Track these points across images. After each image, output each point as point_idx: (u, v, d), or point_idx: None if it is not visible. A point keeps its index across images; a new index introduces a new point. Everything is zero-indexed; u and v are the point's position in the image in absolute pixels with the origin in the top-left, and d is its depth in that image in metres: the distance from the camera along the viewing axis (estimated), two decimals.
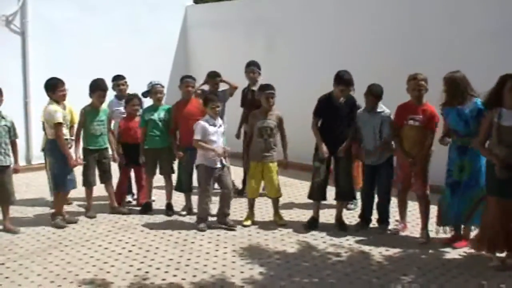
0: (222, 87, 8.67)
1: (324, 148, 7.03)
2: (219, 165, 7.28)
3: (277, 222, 7.47)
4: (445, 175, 6.48)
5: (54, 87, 7.29)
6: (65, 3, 11.21)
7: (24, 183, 9.47)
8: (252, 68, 8.64)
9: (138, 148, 7.97)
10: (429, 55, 8.65)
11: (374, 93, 6.94)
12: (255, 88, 8.38)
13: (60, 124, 7.20)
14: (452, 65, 6.55)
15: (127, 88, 8.51)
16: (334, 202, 7.45)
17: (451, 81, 6.25)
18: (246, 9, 12.10)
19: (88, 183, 7.91)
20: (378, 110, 6.99)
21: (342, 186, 7.19)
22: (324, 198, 7.33)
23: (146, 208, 8.04)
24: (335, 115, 7.05)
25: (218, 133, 7.26)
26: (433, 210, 6.72)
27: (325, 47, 10.18)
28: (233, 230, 7.21)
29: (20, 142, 7.64)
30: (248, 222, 7.48)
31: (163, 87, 8.00)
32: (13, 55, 10.64)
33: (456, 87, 6.22)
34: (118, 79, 8.48)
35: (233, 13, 12.42)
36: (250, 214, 7.60)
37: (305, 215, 7.60)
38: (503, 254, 5.93)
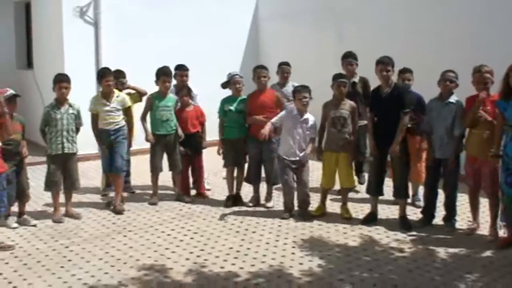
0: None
1: (373, 145, 6.94)
2: (296, 158, 7.25)
3: (343, 215, 7.37)
4: (503, 174, 6.12)
5: (101, 77, 7.57)
6: None
7: (94, 169, 9.68)
8: (349, 60, 8.30)
9: (193, 138, 8.11)
10: (498, 49, 8.31)
11: (447, 78, 6.70)
12: (355, 80, 8.19)
13: (93, 114, 7.56)
14: None
15: (188, 79, 8.49)
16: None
17: None
18: (317, 0, 11.97)
19: (154, 169, 8.04)
20: (451, 100, 6.74)
21: (396, 182, 7.02)
22: (381, 193, 7.18)
23: (235, 200, 7.97)
24: (381, 108, 6.90)
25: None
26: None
27: (397, 36, 9.92)
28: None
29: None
30: (318, 213, 7.43)
31: (242, 77, 7.95)
32: (87, 46, 10.89)
33: None
34: (180, 69, 8.49)
35: (304, 4, 12.30)
36: (321, 205, 7.53)
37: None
38: None
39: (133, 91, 8.39)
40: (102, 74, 7.60)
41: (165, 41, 11.31)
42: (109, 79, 7.51)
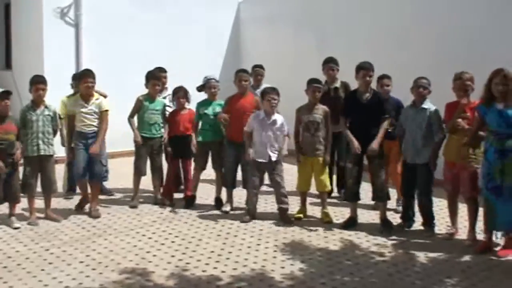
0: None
1: (356, 143, 6.92)
2: (265, 160, 7.28)
3: (323, 219, 7.41)
4: (484, 179, 6.20)
5: (80, 78, 7.50)
6: None
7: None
8: (330, 65, 8.33)
9: (186, 141, 8.01)
10: (479, 53, 8.42)
11: (420, 85, 6.79)
12: (337, 85, 8.23)
13: (70, 116, 7.47)
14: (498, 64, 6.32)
15: (166, 81, 8.57)
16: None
17: (509, 76, 5.93)
18: (297, 4, 12.03)
19: (138, 172, 8.04)
20: (424, 106, 6.83)
21: (375, 186, 7.08)
22: (358, 199, 7.24)
23: (190, 202, 8.05)
24: (361, 113, 6.93)
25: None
26: (481, 211, 6.53)
27: (378, 40, 10.03)
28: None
29: None
30: (300, 216, 7.47)
31: (218, 82, 7.99)
32: (67, 47, 10.84)
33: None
34: (160, 71, 8.51)
35: (284, 7, 12.37)
36: (303, 208, 7.58)
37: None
38: None
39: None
40: (82, 75, 7.52)
41: (146, 42, 11.32)
42: (89, 80, 7.41)
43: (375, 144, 6.82)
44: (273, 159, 7.30)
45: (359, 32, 10.52)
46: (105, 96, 8.21)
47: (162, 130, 8.08)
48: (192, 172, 8.23)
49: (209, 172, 8.22)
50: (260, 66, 9.06)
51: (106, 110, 7.56)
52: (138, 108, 7.95)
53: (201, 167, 8.07)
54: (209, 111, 7.88)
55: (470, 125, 6.37)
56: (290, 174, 8.24)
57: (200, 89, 8.18)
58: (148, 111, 7.94)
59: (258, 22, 13.03)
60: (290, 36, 12.05)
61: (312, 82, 7.40)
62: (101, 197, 8.04)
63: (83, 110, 7.39)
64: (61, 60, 10.47)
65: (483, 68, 6.19)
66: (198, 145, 7.98)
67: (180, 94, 8.11)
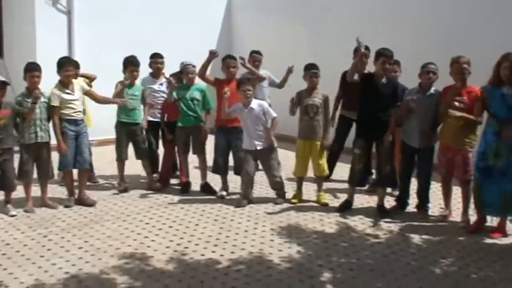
0: None
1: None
2: (256, 148, 7.36)
3: (320, 202, 7.50)
4: (476, 157, 6.34)
5: (61, 67, 7.34)
6: None
7: None
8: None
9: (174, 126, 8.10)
10: (473, 40, 8.47)
11: (430, 70, 6.80)
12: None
13: (55, 107, 7.24)
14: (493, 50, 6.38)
15: (163, 67, 8.59)
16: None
17: None
18: None
19: (119, 157, 8.09)
20: (432, 91, 6.85)
21: (382, 173, 7.12)
22: (363, 185, 7.30)
23: (185, 188, 8.10)
24: (376, 96, 6.92)
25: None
26: None
27: (372, 26, 10.03)
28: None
29: None
30: (296, 200, 7.53)
31: (194, 67, 7.97)
32: (59, 34, 10.80)
33: None
34: (156, 57, 8.57)
35: None
36: (298, 193, 7.65)
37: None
38: None
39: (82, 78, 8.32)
40: (62, 63, 7.37)
41: (139, 29, 11.29)
42: (69, 68, 7.34)
43: (389, 137, 6.90)
44: (258, 147, 7.36)
45: (352, 17, 10.54)
46: (94, 78, 8.23)
47: (141, 114, 8.11)
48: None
49: (209, 158, 8.20)
50: (258, 52, 9.07)
51: (89, 89, 7.65)
52: (121, 92, 7.92)
53: (183, 151, 8.09)
54: (187, 95, 7.92)
55: (469, 107, 6.42)
56: (283, 159, 8.30)
57: (178, 76, 8.16)
58: (127, 97, 7.93)
59: (250, 8, 13.02)
60: (282, 22, 12.04)
61: (308, 68, 7.46)
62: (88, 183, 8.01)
63: (70, 97, 7.31)
64: (53, 47, 10.40)
65: (480, 54, 6.26)
66: (177, 129, 8.04)
67: (175, 80, 8.11)
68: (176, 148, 8.28)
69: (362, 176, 7.35)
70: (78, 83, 7.51)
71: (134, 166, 8.40)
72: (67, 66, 7.33)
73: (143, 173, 8.43)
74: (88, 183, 7.95)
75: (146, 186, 8.23)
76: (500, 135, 6.05)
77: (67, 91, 7.30)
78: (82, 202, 7.49)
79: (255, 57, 8.99)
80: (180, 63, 8.08)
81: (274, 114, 7.47)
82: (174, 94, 7.95)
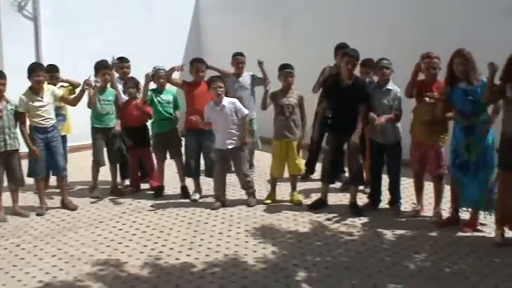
0: None
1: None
2: (227, 147, 7.34)
3: (293, 201, 7.52)
4: (450, 156, 6.41)
5: (31, 72, 7.23)
6: None
7: None
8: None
9: (141, 131, 8.08)
10: (445, 35, 8.53)
11: (384, 66, 6.92)
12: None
13: (21, 113, 7.17)
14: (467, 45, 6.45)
15: (130, 71, 8.54)
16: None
17: (470, 57, 6.12)
18: None
19: (96, 163, 8.02)
20: (389, 87, 6.97)
21: (352, 170, 7.18)
22: (333, 182, 7.38)
23: (158, 192, 8.06)
24: (341, 98, 7.01)
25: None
26: (447, 189, 6.73)
27: (344, 28, 10.06)
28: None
29: None
30: (269, 201, 7.54)
31: (166, 71, 7.92)
32: (26, 41, 10.67)
33: (474, 64, 6.11)
34: (122, 61, 8.51)
35: None
36: (272, 193, 7.66)
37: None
38: None
39: (66, 84, 8.30)
40: (32, 69, 7.26)
41: (106, 33, 11.18)
42: (40, 74, 7.22)
43: (356, 138, 6.91)
44: (230, 146, 7.35)
45: (323, 16, 10.54)
46: (78, 85, 8.12)
47: (114, 119, 8.05)
48: (153, 160, 8.22)
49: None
50: (241, 54, 8.96)
51: (62, 94, 7.57)
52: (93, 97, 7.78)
53: (162, 159, 8.08)
54: (162, 99, 7.90)
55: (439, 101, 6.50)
56: (258, 160, 8.32)
57: (150, 78, 8.06)
58: (100, 101, 7.86)
59: (218, 9, 12.95)
60: (252, 23, 11.98)
61: (283, 68, 7.47)
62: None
63: (39, 104, 7.21)
64: (20, 54, 10.27)
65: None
66: (154, 138, 8.04)
67: (130, 84, 8.09)
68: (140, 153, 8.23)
69: (333, 174, 7.37)
70: (49, 89, 7.40)
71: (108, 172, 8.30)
72: (38, 72, 7.22)
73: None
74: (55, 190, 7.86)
75: (110, 190, 8.16)
76: (469, 130, 6.12)
77: (37, 98, 7.21)
78: (65, 206, 7.49)
79: (238, 59, 8.89)
80: (153, 68, 8.03)
81: (246, 111, 7.49)
82: (150, 93, 7.91)
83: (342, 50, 7.72)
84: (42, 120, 7.25)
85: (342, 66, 7.02)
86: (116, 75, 8.39)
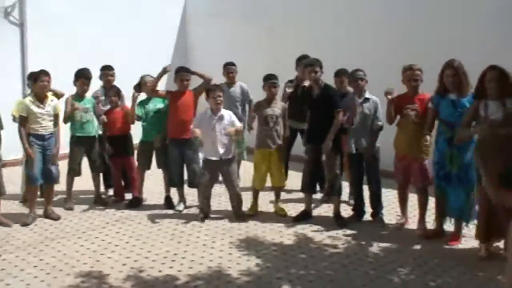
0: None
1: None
2: (216, 158, 7.27)
3: (278, 213, 7.49)
4: (434, 167, 6.42)
5: (36, 78, 7.23)
6: None
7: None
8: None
9: (124, 140, 8.03)
10: (431, 49, 8.57)
11: (358, 77, 6.96)
12: (306, 84, 7.84)
13: (22, 117, 7.13)
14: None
15: (114, 79, 8.44)
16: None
17: (461, 68, 6.12)
18: None
19: (72, 171, 7.93)
20: (367, 96, 6.99)
21: (328, 180, 7.18)
22: (314, 192, 7.37)
23: (135, 203, 7.99)
24: (314, 107, 7.07)
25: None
26: (431, 201, 6.72)
27: (328, 35, 10.09)
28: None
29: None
30: (251, 212, 7.50)
31: (152, 78, 7.86)
32: (12, 47, 10.60)
33: (465, 76, 6.12)
34: (106, 69, 8.42)
35: (234, 1, 12.32)
36: (254, 205, 7.61)
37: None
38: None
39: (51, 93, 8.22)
40: (38, 75, 7.24)
41: (93, 40, 11.14)
42: (45, 79, 7.21)
43: (327, 143, 6.88)
44: (223, 157, 7.28)
45: (308, 23, 10.56)
46: (62, 95, 8.08)
47: (96, 127, 8.03)
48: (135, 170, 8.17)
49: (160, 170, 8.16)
50: (232, 64, 8.95)
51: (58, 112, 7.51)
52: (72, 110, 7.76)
53: (144, 167, 8.03)
54: (150, 108, 7.86)
55: (422, 114, 6.50)
56: (243, 171, 8.28)
57: (137, 88, 8.04)
58: (78, 111, 7.79)
59: (206, 16, 12.94)
60: (238, 30, 12.00)
61: (268, 78, 7.48)
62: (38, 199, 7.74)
63: (39, 111, 7.18)
64: (6, 60, 10.22)
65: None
66: (140, 145, 7.99)
67: (111, 93, 8.04)
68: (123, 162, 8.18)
69: (314, 184, 7.35)
70: (53, 101, 7.39)
71: (91, 182, 8.23)
72: (43, 77, 7.21)
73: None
74: (39, 199, 7.72)
75: (93, 199, 8.11)
76: (453, 141, 6.12)
77: (40, 105, 7.20)
78: (48, 216, 7.42)
79: (230, 68, 8.90)
80: (140, 77, 7.99)
81: (240, 124, 7.46)
82: (138, 111, 7.86)
83: (302, 61, 7.88)
84: (40, 127, 7.20)
85: (308, 78, 7.05)
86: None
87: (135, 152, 8.19)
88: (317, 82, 7.00)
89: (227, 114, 7.37)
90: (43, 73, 7.30)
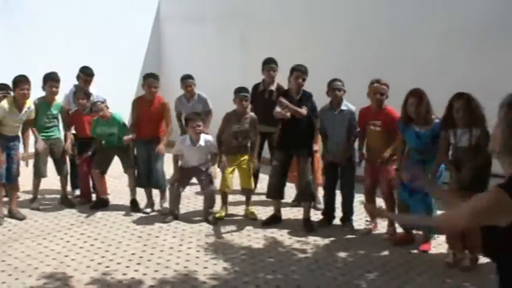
0: None
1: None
2: (195, 164, 7.27)
3: (248, 216, 7.43)
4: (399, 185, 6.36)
5: (15, 85, 7.14)
6: None
7: None
8: (271, 65, 7.99)
9: (91, 142, 7.88)
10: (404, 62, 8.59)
11: (336, 87, 6.91)
12: (272, 88, 8.02)
13: None
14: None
15: (90, 83, 8.29)
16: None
17: (424, 98, 6.05)
18: (221, 2, 11.94)
19: (38, 173, 7.80)
20: (343, 107, 6.96)
21: (302, 185, 7.14)
22: (282, 197, 7.31)
23: (100, 204, 7.87)
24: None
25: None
26: None
27: (299, 42, 10.08)
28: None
29: None
30: (222, 215, 7.42)
31: (103, 102, 7.72)
32: None
33: (427, 106, 6.08)
34: (85, 70, 8.27)
35: (207, 6, 12.25)
36: (223, 208, 7.53)
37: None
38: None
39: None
40: (18, 81, 7.13)
41: (67, 42, 10.95)
42: (25, 87, 7.10)
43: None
44: (202, 167, 7.32)
45: (282, 28, 10.53)
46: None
47: (61, 130, 7.94)
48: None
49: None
50: (190, 76, 8.68)
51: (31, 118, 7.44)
52: (37, 112, 7.60)
53: (102, 171, 7.87)
54: (106, 131, 7.76)
55: (385, 128, 6.56)
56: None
57: (89, 113, 7.89)
58: (43, 116, 7.68)
59: (180, 21, 12.82)
60: (214, 35, 11.91)
61: (238, 91, 7.35)
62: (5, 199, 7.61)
63: (14, 118, 7.14)
64: None
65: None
66: (102, 150, 7.86)
67: (80, 95, 7.92)
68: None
69: (281, 189, 7.29)
70: (29, 108, 7.30)
71: (57, 183, 8.09)
72: (23, 85, 7.11)
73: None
74: (5, 199, 7.58)
75: (60, 200, 7.98)
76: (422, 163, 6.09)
77: (15, 110, 7.12)
78: (13, 216, 7.30)
79: (187, 82, 8.61)
80: (92, 102, 7.79)
81: (216, 150, 7.38)
82: (96, 131, 7.77)
83: (267, 65, 7.99)
84: (9, 130, 7.18)
85: (292, 81, 6.98)
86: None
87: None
88: (300, 88, 6.96)
89: (204, 139, 7.31)
90: (23, 80, 7.18)
